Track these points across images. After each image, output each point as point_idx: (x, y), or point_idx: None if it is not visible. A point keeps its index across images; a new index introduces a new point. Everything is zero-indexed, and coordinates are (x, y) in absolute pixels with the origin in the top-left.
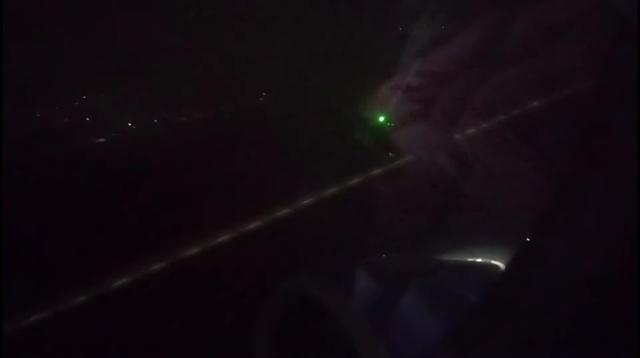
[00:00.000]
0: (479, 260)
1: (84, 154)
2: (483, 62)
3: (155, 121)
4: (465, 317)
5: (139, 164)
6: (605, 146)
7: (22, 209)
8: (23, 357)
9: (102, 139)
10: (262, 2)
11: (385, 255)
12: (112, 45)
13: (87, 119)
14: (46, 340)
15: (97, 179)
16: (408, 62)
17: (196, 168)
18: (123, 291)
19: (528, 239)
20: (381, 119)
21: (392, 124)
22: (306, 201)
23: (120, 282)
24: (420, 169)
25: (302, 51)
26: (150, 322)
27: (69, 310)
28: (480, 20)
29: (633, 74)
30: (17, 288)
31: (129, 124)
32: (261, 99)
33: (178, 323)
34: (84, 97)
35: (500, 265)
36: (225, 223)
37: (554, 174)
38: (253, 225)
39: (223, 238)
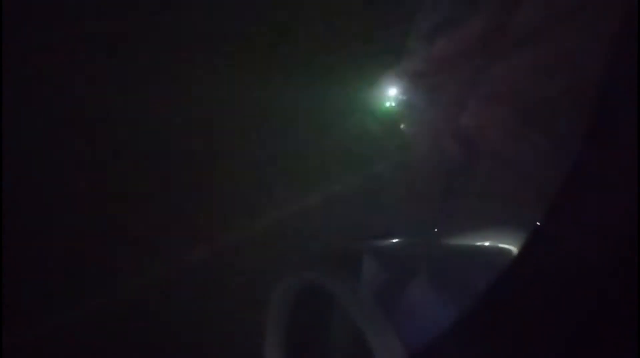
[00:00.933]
0: (487, 244)
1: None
2: (490, 48)
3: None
4: (474, 304)
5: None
6: (618, 131)
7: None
8: None
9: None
10: None
11: (393, 241)
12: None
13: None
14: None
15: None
16: (414, 49)
17: (199, 160)
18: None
19: (538, 223)
20: (387, 106)
21: (398, 112)
22: (313, 189)
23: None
24: (427, 156)
25: (304, 39)
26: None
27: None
28: (486, 5)
29: None
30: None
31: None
32: (268, 89)
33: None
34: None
35: (510, 249)
36: (234, 211)
37: (564, 160)
38: (260, 213)
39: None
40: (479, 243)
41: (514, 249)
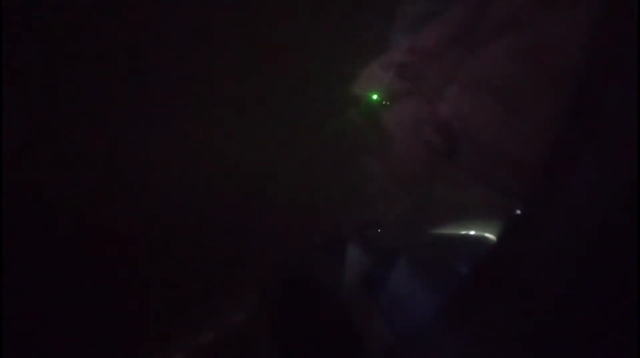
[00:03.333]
0: (470, 232)
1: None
2: (472, 36)
3: None
4: (457, 290)
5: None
6: (597, 117)
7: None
8: None
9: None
10: None
11: (378, 229)
12: None
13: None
14: None
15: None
16: (397, 39)
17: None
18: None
19: (519, 212)
20: (373, 97)
21: (384, 102)
22: (298, 179)
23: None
24: (411, 145)
25: (285, 32)
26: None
27: None
28: None
29: (626, 44)
30: None
31: None
32: (250, 86)
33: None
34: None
35: (492, 237)
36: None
37: (544, 146)
38: (248, 205)
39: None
40: (461, 232)
41: (495, 237)
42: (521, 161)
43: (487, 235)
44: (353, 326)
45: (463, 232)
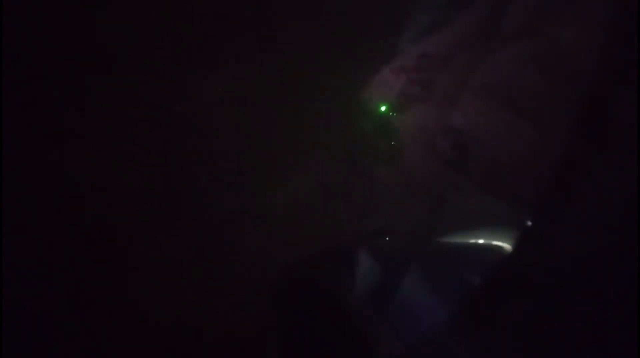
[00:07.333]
0: (480, 241)
1: None
2: (483, 42)
3: None
4: (468, 299)
5: None
6: (608, 124)
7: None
8: None
9: None
10: None
11: (388, 238)
12: None
13: None
14: None
15: None
16: (408, 46)
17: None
18: None
19: (530, 222)
20: (384, 104)
21: (395, 109)
22: (308, 186)
23: None
24: (421, 153)
25: (297, 39)
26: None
27: None
28: (477, 0)
29: (638, 51)
30: None
31: None
32: (263, 90)
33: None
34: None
35: (502, 246)
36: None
37: (555, 154)
38: (258, 212)
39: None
40: (471, 241)
41: (506, 246)
42: (532, 169)
43: (498, 244)
44: (362, 335)
45: (473, 241)
